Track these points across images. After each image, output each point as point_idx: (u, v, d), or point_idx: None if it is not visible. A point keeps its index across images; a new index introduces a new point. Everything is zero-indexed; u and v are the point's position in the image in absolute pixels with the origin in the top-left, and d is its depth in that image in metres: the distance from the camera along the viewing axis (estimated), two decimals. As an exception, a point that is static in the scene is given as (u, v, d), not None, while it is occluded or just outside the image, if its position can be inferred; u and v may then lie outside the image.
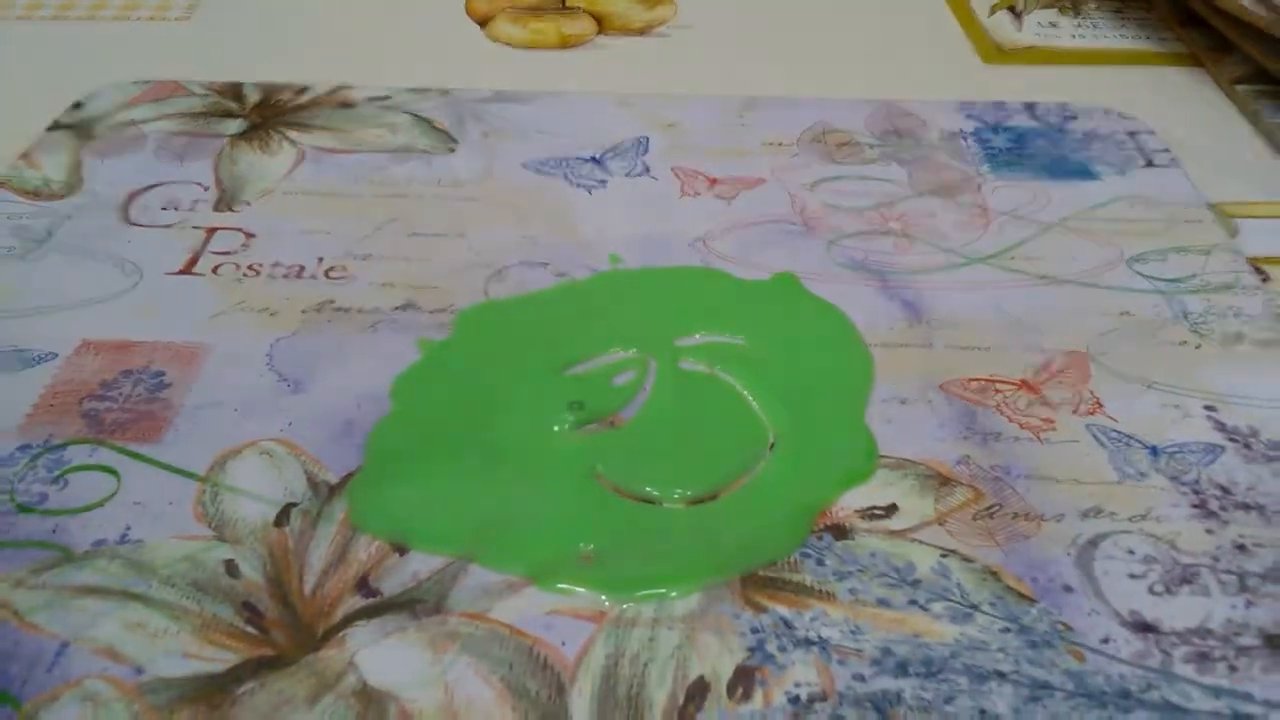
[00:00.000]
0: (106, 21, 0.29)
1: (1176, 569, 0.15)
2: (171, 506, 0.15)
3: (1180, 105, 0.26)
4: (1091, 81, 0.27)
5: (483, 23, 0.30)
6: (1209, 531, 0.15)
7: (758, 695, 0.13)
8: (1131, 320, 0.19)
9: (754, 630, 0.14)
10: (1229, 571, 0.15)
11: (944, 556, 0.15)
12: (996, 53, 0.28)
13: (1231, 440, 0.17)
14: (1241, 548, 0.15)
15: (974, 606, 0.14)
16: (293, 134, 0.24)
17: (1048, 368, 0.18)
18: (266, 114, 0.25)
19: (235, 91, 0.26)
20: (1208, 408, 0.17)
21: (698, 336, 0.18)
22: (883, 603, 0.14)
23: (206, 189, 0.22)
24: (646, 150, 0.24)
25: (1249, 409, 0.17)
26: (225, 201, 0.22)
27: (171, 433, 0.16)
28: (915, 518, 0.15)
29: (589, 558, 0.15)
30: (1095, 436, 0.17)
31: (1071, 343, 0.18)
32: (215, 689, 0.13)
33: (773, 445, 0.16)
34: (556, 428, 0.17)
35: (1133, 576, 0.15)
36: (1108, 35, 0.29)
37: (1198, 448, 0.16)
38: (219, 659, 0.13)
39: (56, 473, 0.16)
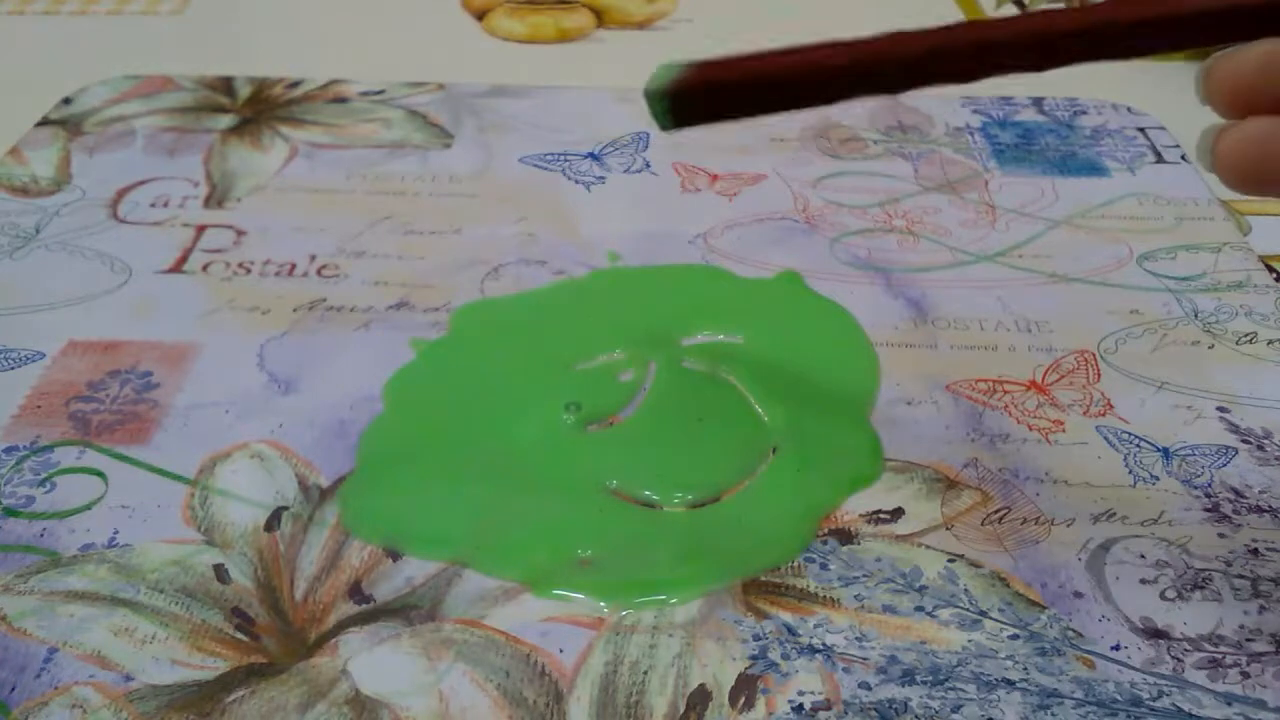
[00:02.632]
0: (99, 16, 0.29)
1: (1188, 574, 0.14)
2: (160, 510, 0.15)
3: (1189, 100, 0.25)
4: (1099, 76, 0.26)
5: (480, 16, 0.29)
6: (1222, 535, 0.15)
7: (760, 704, 0.13)
8: (1142, 319, 0.19)
9: (756, 637, 0.13)
10: (1242, 576, 0.14)
11: (951, 561, 0.14)
12: (1002, 46, 0.28)
13: (1245, 442, 0.16)
14: (1255, 552, 0.15)
15: (982, 613, 0.14)
16: (285, 129, 0.24)
17: (1057, 368, 0.18)
18: (258, 109, 0.24)
19: (226, 86, 0.25)
20: (1220, 409, 0.17)
21: (698, 336, 0.18)
22: (889, 609, 0.14)
23: (197, 185, 0.22)
24: (646, 146, 0.23)
25: (1262, 410, 0.17)
26: (216, 198, 0.22)
27: (160, 434, 0.16)
28: (922, 522, 0.15)
29: (587, 563, 0.14)
30: (1106, 438, 0.16)
31: (1081, 342, 0.18)
32: (205, 696, 0.13)
33: (775, 448, 0.16)
34: (554, 429, 0.16)
35: (1144, 582, 0.14)
36: (1115, 29, 0.29)
37: (1210, 450, 0.16)
38: (208, 666, 0.13)
39: (43, 475, 0.15)
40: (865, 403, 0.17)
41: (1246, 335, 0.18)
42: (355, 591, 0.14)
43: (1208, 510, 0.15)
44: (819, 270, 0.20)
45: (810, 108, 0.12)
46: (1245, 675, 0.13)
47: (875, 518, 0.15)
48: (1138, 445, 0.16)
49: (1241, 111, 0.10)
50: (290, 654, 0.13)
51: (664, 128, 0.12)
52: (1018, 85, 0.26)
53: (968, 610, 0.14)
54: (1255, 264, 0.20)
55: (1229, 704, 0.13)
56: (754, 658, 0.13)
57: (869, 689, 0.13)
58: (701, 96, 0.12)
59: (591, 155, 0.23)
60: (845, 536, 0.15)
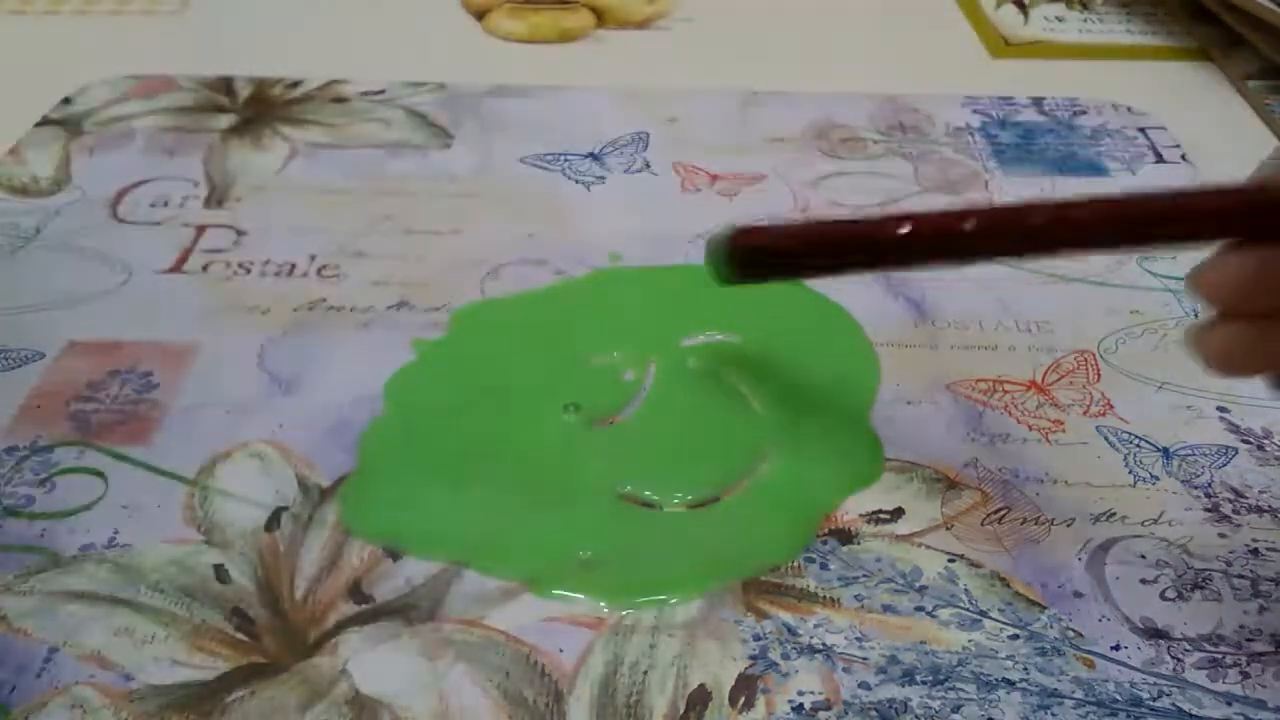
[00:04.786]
0: (100, 16, 0.29)
1: (1188, 574, 0.14)
2: (160, 510, 0.15)
3: (1190, 101, 0.25)
4: (1099, 76, 0.27)
5: (480, 16, 0.29)
6: (1222, 535, 0.15)
7: (760, 704, 0.13)
8: (1141, 319, 0.19)
9: (756, 637, 0.13)
10: (1242, 576, 0.14)
11: (951, 561, 0.14)
12: (1003, 46, 0.28)
13: (1245, 442, 0.16)
14: (1255, 552, 0.15)
15: (982, 613, 0.14)
16: (285, 129, 0.24)
17: (1057, 368, 0.18)
18: (258, 109, 0.24)
19: (226, 86, 0.25)
20: (1220, 409, 0.17)
21: (699, 336, 0.18)
22: (888, 609, 0.14)
23: (197, 185, 0.22)
24: (646, 146, 0.23)
25: (1262, 410, 0.17)
26: (216, 198, 0.22)
27: (160, 434, 0.16)
28: (922, 522, 0.15)
29: (587, 563, 0.14)
30: (1106, 438, 0.16)
31: (1081, 342, 0.18)
32: (205, 697, 0.13)
33: (775, 448, 0.16)
34: (553, 430, 0.16)
35: (1144, 582, 0.14)
36: (1115, 29, 0.29)
37: (1210, 450, 0.16)
38: (209, 666, 0.13)
39: (44, 475, 0.15)
40: (865, 403, 0.17)
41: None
42: (355, 591, 0.14)
43: (1208, 510, 0.15)
44: (819, 270, 0.20)
45: (866, 272, 0.14)
46: (1245, 675, 0.13)
47: (875, 518, 0.15)
48: (1138, 445, 0.16)
49: (1223, 312, 0.11)
50: (290, 654, 0.13)
51: (721, 281, 0.13)
52: (1018, 85, 0.26)
53: (968, 610, 0.14)
54: (1255, 264, 0.20)
55: (1229, 704, 0.13)
56: (754, 658, 0.13)
57: (869, 689, 0.13)
58: (760, 255, 0.13)
59: (591, 155, 0.23)
60: (845, 536, 0.15)
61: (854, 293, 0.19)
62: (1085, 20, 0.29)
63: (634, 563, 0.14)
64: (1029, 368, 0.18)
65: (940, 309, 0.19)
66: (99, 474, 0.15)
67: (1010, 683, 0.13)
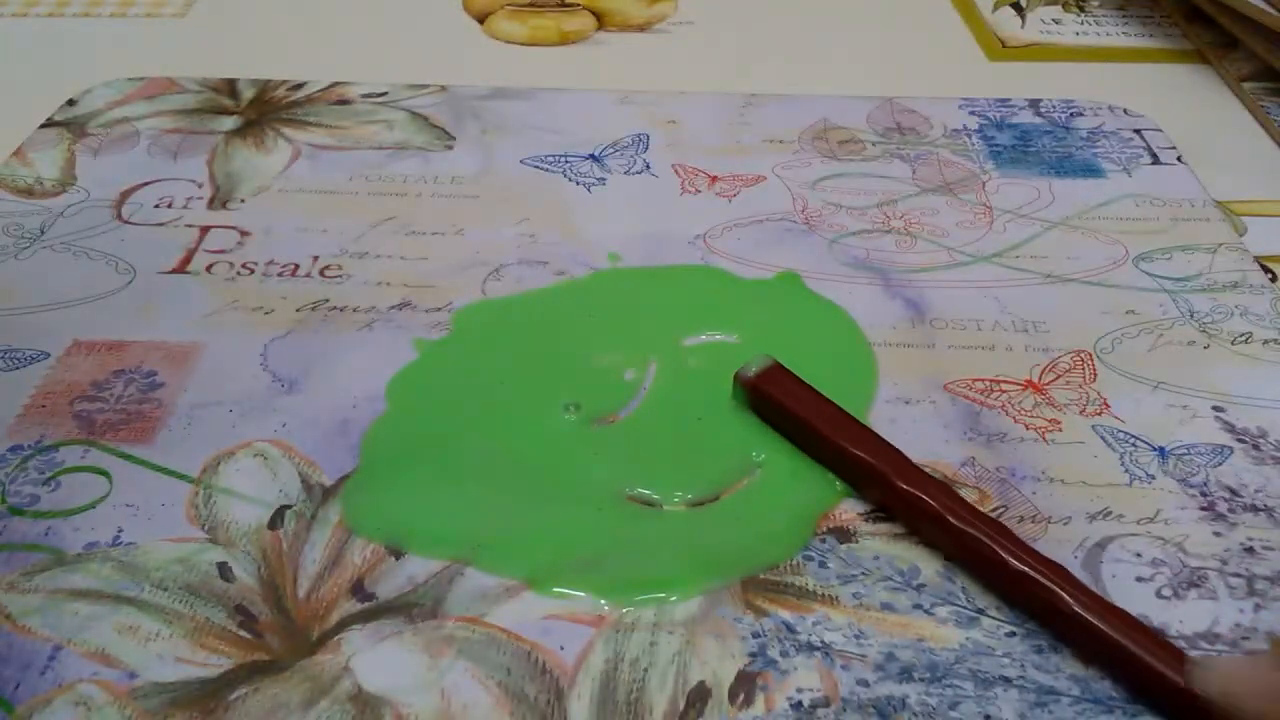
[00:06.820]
0: (103, 18, 0.29)
1: (1184, 572, 0.14)
2: (164, 509, 0.15)
3: (1186, 103, 0.26)
4: (1096, 79, 0.27)
5: (481, 19, 0.29)
6: (1217, 534, 0.15)
7: (759, 701, 0.13)
8: (1138, 319, 0.19)
9: (755, 635, 0.14)
10: (1237, 574, 0.14)
11: (949, 559, 0.15)
12: (1000, 49, 0.28)
13: (1240, 441, 0.16)
14: (1250, 550, 0.15)
15: (980, 610, 0.14)
16: (288, 131, 0.24)
17: (1053, 368, 0.18)
18: (261, 111, 0.24)
19: (230, 88, 0.25)
20: (1216, 408, 0.17)
21: (699, 336, 0.18)
22: (886, 607, 0.14)
23: (200, 186, 0.22)
24: (646, 147, 0.23)
25: (1257, 409, 0.17)
26: (219, 199, 0.22)
27: (164, 434, 0.16)
28: (919, 520, 0.15)
29: (588, 561, 0.14)
30: (1102, 437, 0.16)
31: (1077, 342, 0.18)
32: (208, 694, 0.13)
33: (774, 447, 0.16)
34: (554, 429, 0.16)
35: (1140, 580, 0.14)
36: (1112, 32, 0.29)
37: (1206, 449, 0.16)
38: (212, 663, 0.13)
39: (48, 474, 0.16)
40: (864, 402, 0.17)
41: (1242, 335, 0.18)
42: (358, 589, 0.14)
43: (1203, 509, 0.15)
44: (817, 270, 0.20)
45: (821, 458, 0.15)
46: (1240, 672, 0.13)
47: (873, 516, 0.15)
48: (1134, 444, 0.16)
49: None
50: (293, 651, 0.13)
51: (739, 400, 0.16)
52: (1015, 88, 0.26)
53: (965, 608, 0.14)
54: (1250, 264, 0.20)
55: (1224, 701, 0.13)
56: (753, 655, 0.13)
57: (867, 686, 0.13)
58: (759, 396, 0.16)
59: (592, 157, 0.23)
60: (844, 535, 0.15)
61: (852, 293, 0.19)
62: (1082, 23, 0.29)
63: (634, 561, 0.14)
64: (1026, 367, 0.18)
65: (937, 309, 0.19)
66: (103, 473, 0.16)
67: (1007, 680, 0.13)
